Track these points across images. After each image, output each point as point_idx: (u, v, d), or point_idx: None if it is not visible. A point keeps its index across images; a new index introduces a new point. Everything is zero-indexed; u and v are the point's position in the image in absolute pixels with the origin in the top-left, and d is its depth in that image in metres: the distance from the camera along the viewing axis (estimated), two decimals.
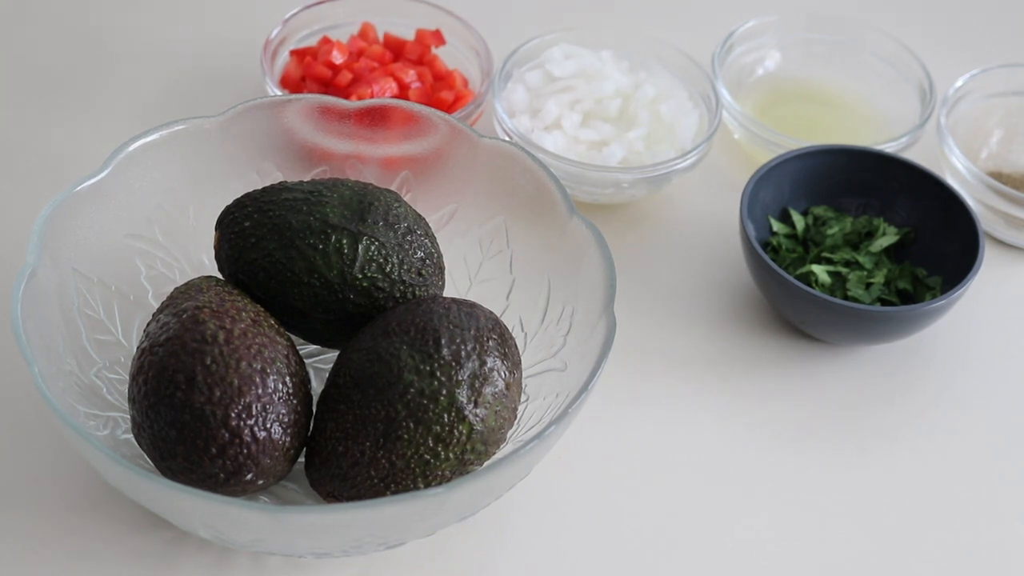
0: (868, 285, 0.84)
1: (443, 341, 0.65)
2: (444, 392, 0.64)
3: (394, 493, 0.64)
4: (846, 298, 0.83)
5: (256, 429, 0.63)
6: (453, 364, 0.64)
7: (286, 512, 0.60)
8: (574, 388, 0.67)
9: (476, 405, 0.64)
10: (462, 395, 0.64)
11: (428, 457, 0.64)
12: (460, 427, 0.64)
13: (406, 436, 0.63)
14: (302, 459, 0.68)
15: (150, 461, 0.66)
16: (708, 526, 0.75)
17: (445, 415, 0.63)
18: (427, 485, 0.64)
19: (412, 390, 0.64)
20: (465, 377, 0.64)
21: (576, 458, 0.76)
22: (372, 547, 0.65)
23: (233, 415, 0.62)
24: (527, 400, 0.71)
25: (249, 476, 0.64)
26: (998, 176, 0.94)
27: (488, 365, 0.65)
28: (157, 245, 0.75)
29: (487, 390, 0.64)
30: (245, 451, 0.63)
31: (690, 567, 0.73)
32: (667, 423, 0.80)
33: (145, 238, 0.75)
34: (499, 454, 0.68)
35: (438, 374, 0.64)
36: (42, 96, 0.95)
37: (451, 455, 0.64)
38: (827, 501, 0.77)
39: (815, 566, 0.74)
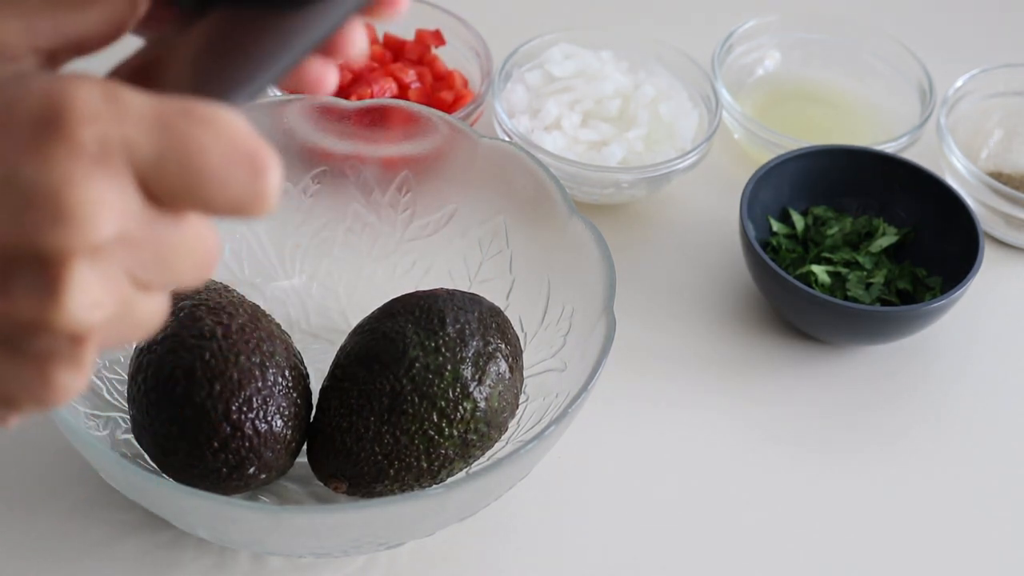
0: (868, 285, 0.84)
1: (448, 320, 0.66)
2: (449, 367, 0.64)
3: (397, 470, 0.65)
4: (846, 298, 0.83)
5: (257, 422, 0.63)
6: (458, 341, 0.65)
7: (286, 512, 0.60)
8: (574, 388, 0.67)
9: (480, 383, 0.65)
10: (466, 371, 0.65)
11: (432, 433, 0.64)
12: (464, 404, 0.64)
13: (411, 410, 0.64)
14: (302, 457, 0.68)
15: (150, 461, 0.66)
16: (707, 526, 0.75)
17: (450, 390, 0.64)
18: (430, 463, 0.65)
19: (418, 364, 0.64)
20: (469, 355, 0.65)
21: (576, 458, 0.76)
22: (372, 547, 0.65)
23: (234, 408, 0.63)
24: (527, 400, 0.71)
25: (252, 470, 0.64)
26: (998, 176, 0.94)
27: (492, 346, 0.66)
28: None
29: (491, 368, 0.65)
30: (247, 444, 0.63)
31: (690, 566, 0.73)
32: (667, 423, 0.80)
33: None
34: (499, 454, 0.68)
35: (443, 350, 0.65)
36: None
37: (455, 432, 0.64)
38: (827, 500, 0.77)
39: (815, 566, 0.74)
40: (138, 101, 0.35)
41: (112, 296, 0.36)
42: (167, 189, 0.36)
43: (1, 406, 0.37)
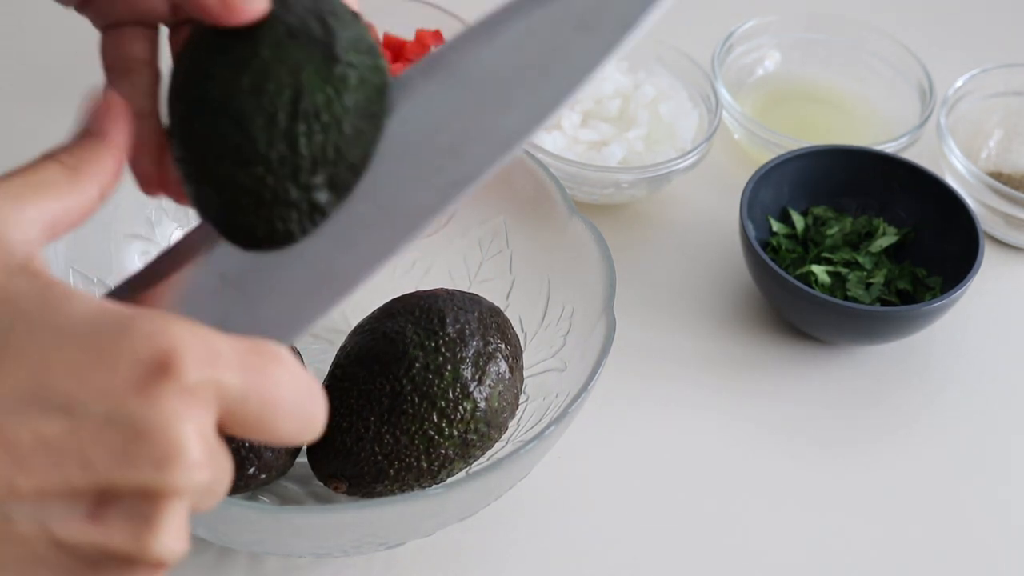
0: (868, 285, 0.84)
1: (448, 320, 0.66)
2: (449, 367, 0.64)
3: (397, 471, 0.65)
4: (846, 298, 0.83)
5: None
6: (458, 341, 0.65)
7: (286, 512, 0.60)
8: (574, 388, 0.67)
9: (480, 383, 0.65)
10: (466, 371, 0.65)
11: (432, 433, 0.64)
12: (464, 404, 0.64)
13: (411, 411, 0.64)
14: (302, 457, 0.68)
15: None
16: (708, 526, 0.75)
17: (450, 390, 0.64)
18: (430, 464, 0.65)
19: (418, 364, 0.64)
20: (469, 355, 0.65)
21: (576, 458, 0.76)
22: (372, 547, 0.65)
23: None
24: (527, 400, 0.71)
25: (252, 470, 0.64)
26: (998, 176, 0.94)
27: (492, 345, 0.66)
28: (157, 245, 0.75)
29: (491, 368, 0.65)
30: (247, 444, 0.63)
31: (690, 567, 0.73)
32: (667, 423, 0.80)
33: (145, 238, 0.75)
34: (499, 454, 0.68)
35: (443, 350, 0.65)
36: (42, 96, 0.95)
37: (455, 432, 0.64)
38: (826, 501, 0.77)
39: (816, 566, 0.74)
40: (223, 343, 0.38)
41: (187, 528, 0.38)
42: (242, 422, 0.38)
43: None
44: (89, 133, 0.45)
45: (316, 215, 0.45)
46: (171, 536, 0.36)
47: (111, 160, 0.44)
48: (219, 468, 0.38)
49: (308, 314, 0.44)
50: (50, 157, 0.43)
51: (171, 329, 0.37)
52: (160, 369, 0.36)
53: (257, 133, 0.43)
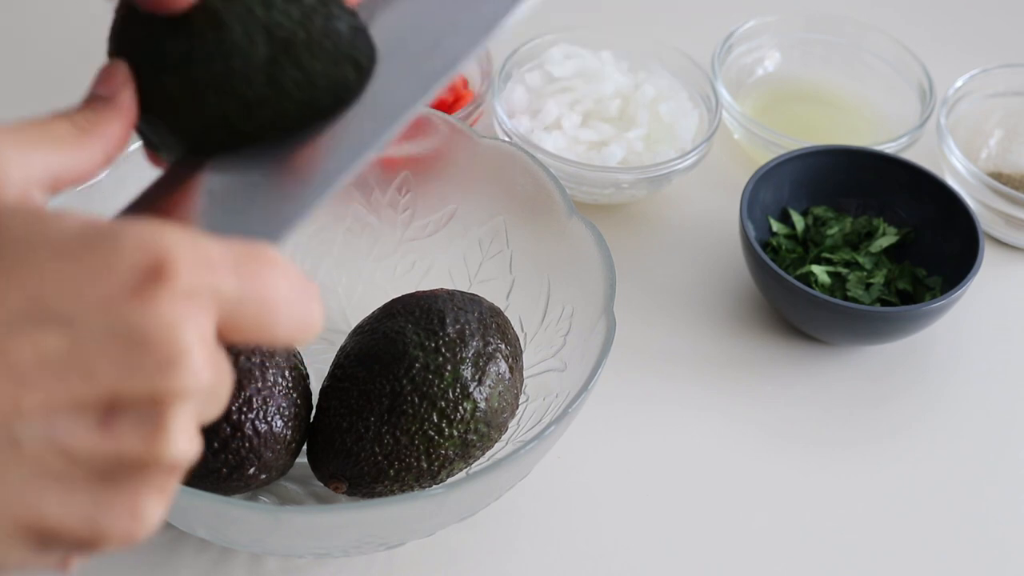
0: (868, 285, 0.84)
1: (448, 320, 0.66)
2: (449, 367, 0.64)
3: (397, 471, 0.65)
4: (846, 298, 0.83)
5: (257, 423, 0.63)
6: (458, 341, 0.65)
7: (286, 512, 0.60)
8: (574, 388, 0.67)
9: (480, 383, 0.65)
10: (466, 371, 0.65)
11: (432, 433, 0.64)
12: (464, 404, 0.64)
13: (411, 411, 0.64)
14: (302, 457, 0.68)
15: None
16: (708, 526, 0.75)
17: (450, 391, 0.64)
18: (430, 464, 0.65)
19: (418, 364, 0.64)
20: (469, 355, 0.65)
21: (576, 458, 0.76)
22: (372, 547, 0.65)
23: (234, 409, 0.63)
24: (527, 400, 0.71)
25: (252, 470, 0.64)
26: (998, 176, 0.94)
27: (492, 346, 0.66)
28: None
29: (491, 369, 0.65)
30: (247, 444, 0.63)
31: (690, 567, 0.73)
32: (667, 423, 0.80)
33: None
34: (499, 454, 0.68)
35: (443, 350, 0.65)
36: (42, 97, 0.95)
37: (455, 432, 0.64)
38: (826, 500, 0.77)
39: (816, 566, 0.74)
40: (215, 248, 0.38)
41: (196, 429, 0.38)
42: (241, 325, 0.38)
43: (86, 543, 0.37)
44: (99, 97, 0.45)
45: (362, 35, 0.48)
46: (182, 438, 0.37)
47: (119, 124, 0.45)
48: (221, 372, 0.38)
49: (296, 214, 0.44)
50: (62, 115, 0.44)
51: (163, 235, 0.36)
52: (154, 274, 0.36)
53: (288, 21, 0.46)
